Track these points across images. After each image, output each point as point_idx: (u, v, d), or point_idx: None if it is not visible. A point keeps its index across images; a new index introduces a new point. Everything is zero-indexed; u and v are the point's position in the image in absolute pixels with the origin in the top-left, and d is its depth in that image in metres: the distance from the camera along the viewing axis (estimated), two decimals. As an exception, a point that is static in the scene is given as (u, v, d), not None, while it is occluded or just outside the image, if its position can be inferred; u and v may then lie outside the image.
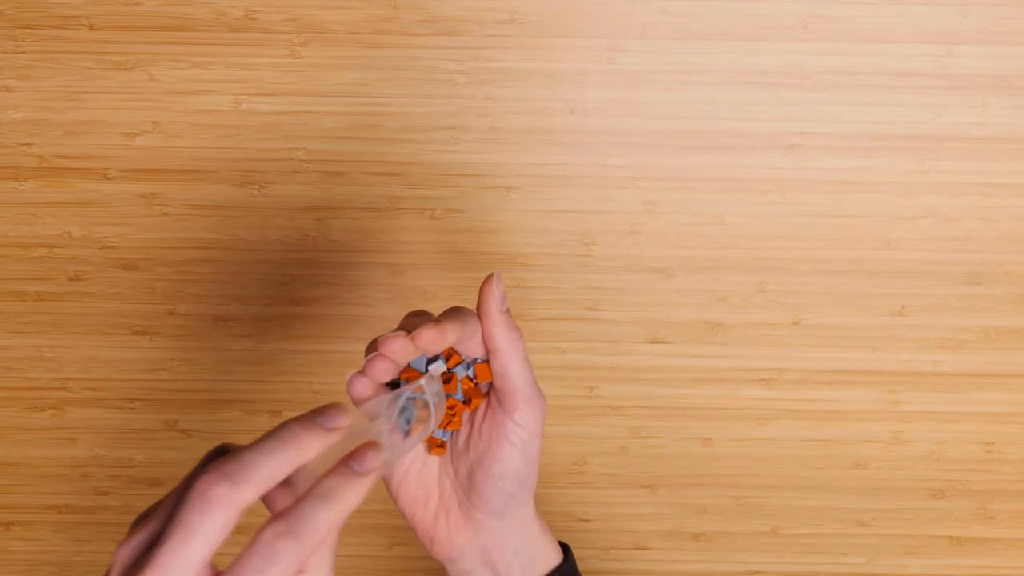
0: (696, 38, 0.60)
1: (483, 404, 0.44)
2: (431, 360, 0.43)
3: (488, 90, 0.60)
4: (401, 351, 0.40)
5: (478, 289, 0.42)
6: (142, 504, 0.65)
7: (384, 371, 0.40)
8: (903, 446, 0.64)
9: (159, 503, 0.34)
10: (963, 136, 0.61)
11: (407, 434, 0.40)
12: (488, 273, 0.42)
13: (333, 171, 0.61)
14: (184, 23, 0.60)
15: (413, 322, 0.42)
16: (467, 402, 0.44)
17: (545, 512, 0.66)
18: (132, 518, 0.65)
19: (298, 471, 0.34)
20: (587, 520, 0.67)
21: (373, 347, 0.42)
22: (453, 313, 0.42)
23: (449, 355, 0.43)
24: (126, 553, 0.32)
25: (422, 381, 0.41)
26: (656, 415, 0.64)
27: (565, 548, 0.46)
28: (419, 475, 0.45)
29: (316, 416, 0.34)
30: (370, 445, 0.35)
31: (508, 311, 0.43)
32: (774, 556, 0.66)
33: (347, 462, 0.35)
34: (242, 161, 0.61)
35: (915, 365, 0.63)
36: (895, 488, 0.65)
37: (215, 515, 0.31)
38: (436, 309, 0.62)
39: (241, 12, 0.60)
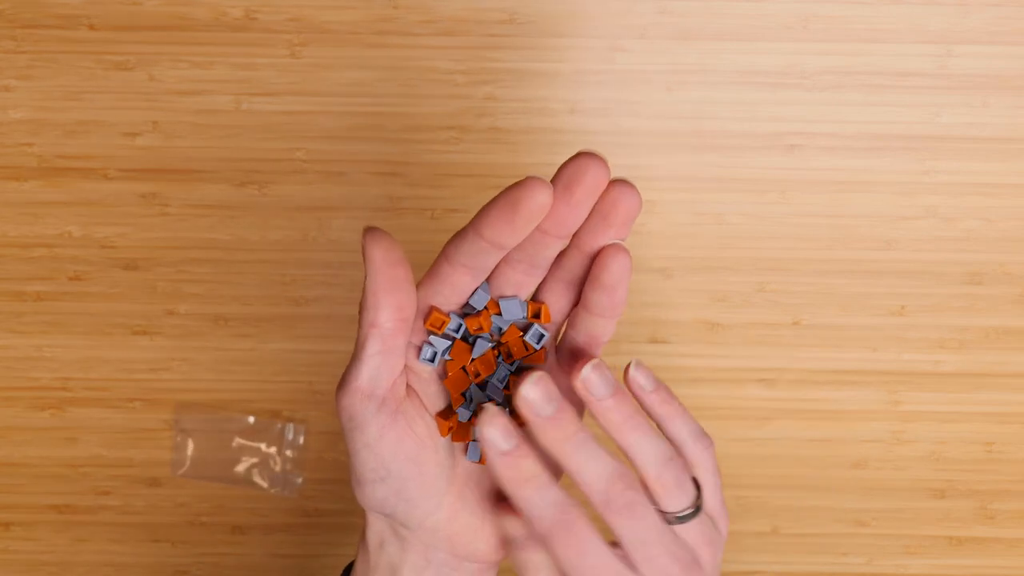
0: (696, 38, 0.60)
1: None
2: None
3: (488, 90, 0.60)
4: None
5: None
6: (142, 504, 0.65)
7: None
8: (903, 446, 0.64)
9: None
10: (963, 136, 0.61)
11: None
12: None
13: (333, 171, 0.61)
14: (184, 23, 0.60)
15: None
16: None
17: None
18: (132, 518, 0.65)
19: None
20: (587, 520, 0.67)
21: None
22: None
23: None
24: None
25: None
26: (656, 415, 0.64)
27: None
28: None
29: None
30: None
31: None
32: (774, 556, 0.66)
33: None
34: (242, 161, 0.61)
35: (915, 365, 0.63)
36: (895, 488, 0.65)
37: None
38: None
39: (241, 12, 0.60)
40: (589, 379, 0.34)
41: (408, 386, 0.36)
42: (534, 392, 0.33)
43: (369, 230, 0.33)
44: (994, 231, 0.62)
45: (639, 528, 0.33)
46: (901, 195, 0.62)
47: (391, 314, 0.33)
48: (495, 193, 0.61)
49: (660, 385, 0.37)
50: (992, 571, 0.66)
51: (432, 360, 0.35)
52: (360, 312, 0.33)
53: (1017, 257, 0.62)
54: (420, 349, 0.35)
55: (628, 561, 0.34)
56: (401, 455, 0.35)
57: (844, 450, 0.64)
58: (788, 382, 0.64)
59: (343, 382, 0.34)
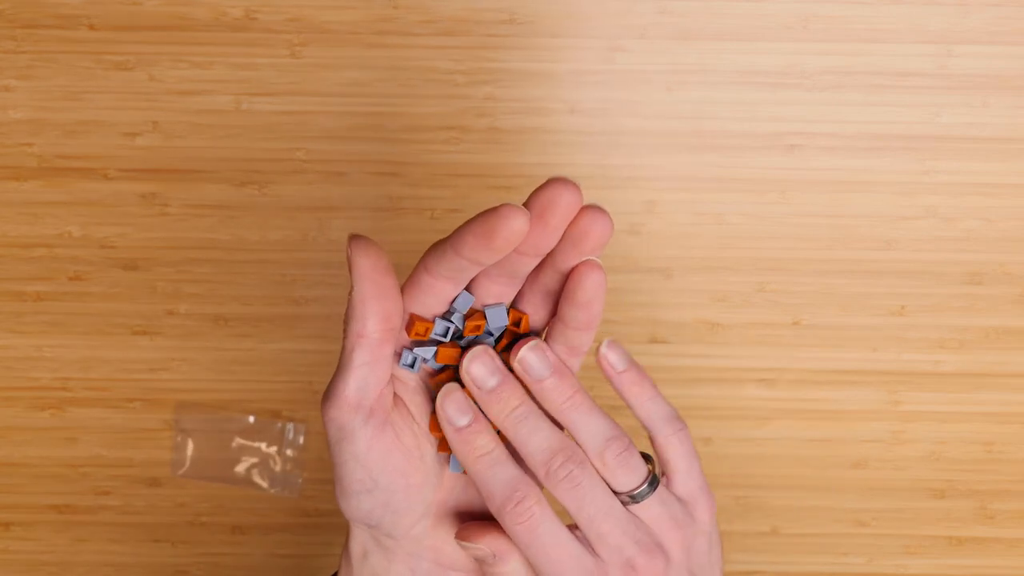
0: (696, 38, 0.60)
1: None
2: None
3: (488, 90, 0.60)
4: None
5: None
6: (142, 504, 0.65)
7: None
8: (903, 446, 0.64)
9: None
10: (963, 136, 0.61)
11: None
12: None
13: (333, 171, 0.61)
14: (184, 23, 0.60)
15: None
16: None
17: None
18: (132, 518, 0.65)
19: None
20: (587, 520, 0.67)
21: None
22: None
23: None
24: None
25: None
26: (656, 415, 0.64)
27: None
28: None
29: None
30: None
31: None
32: (774, 556, 0.66)
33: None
34: (242, 161, 0.61)
35: (915, 365, 0.63)
36: (895, 488, 0.65)
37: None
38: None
39: (241, 12, 0.60)
40: (526, 359, 0.34)
41: (395, 395, 0.35)
42: (476, 367, 0.34)
43: (355, 238, 0.32)
44: (994, 231, 0.62)
45: (584, 502, 0.33)
46: (901, 195, 0.62)
47: (378, 323, 0.32)
48: (495, 193, 0.61)
49: (632, 365, 0.36)
50: (992, 571, 0.66)
51: (412, 366, 0.34)
52: (346, 322, 0.33)
53: (1017, 257, 0.62)
54: (400, 356, 0.35)
55: (587, 544, 0.34)
56: (389, 467, 0.35)
57: (844, 450, 0.64)
58: (788, 382, 0.64)
59: (330, 393, 0.34)
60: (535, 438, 0.34)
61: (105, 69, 0.60)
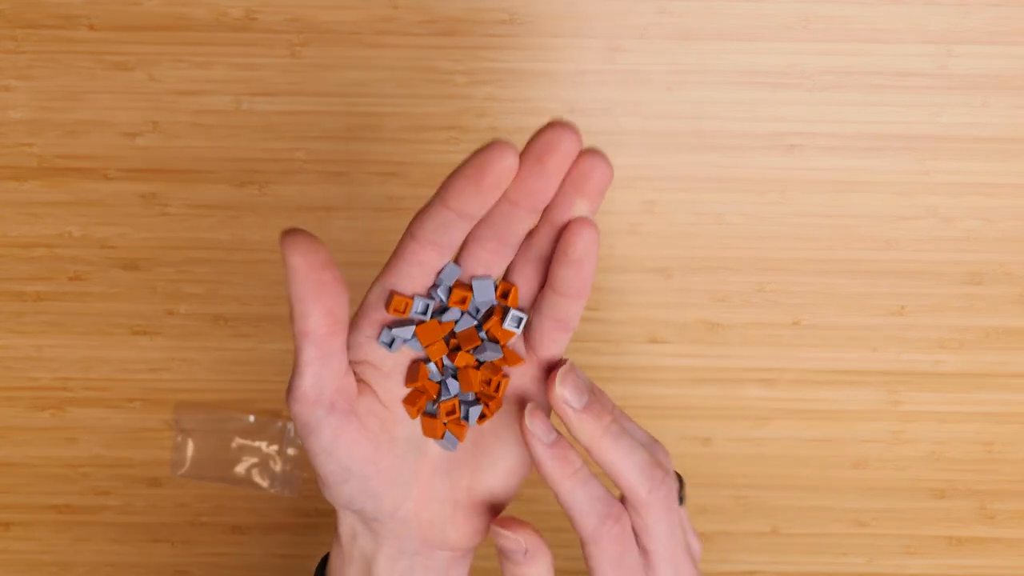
0: (696, 38, 0.60)
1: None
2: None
3: (488, 90, 0.60)
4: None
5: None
6: (142, 504, 0.65)
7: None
8: (903, 446, 0.64)
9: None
10: (963, 136, 0.61)
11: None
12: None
13: (333, 171, 0.61)
14: (184, 23, 0.60)
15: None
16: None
17: (543, 514, 0.66)
18: (132, 518, 0.65)
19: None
20: (587, 520, 0.67)
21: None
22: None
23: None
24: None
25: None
26: (656, 415, 0.64)
27: None
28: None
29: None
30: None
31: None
32: (774, 556, 0.66)
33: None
34: (242, 161, 0.61)
35: (915, 365, 0.63)
36: (895, 488, 0.65)
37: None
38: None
39: (241, 12, 0.60)
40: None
41: (362, 382, 0.35)
42: (564, 389, 0.33)
43: (287, 233, 0.31)
44: (994, 231, 0.62)
45: (679, 524, 0.33)
46: (901, 195, 0.62)
47: (321, 319, 0.31)
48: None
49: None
50: (992, 571, 0.66)
51: (390, 345, 0.34)
52: (290, 320, 0.32)
53: (1017, 257, 0.62)
54: (380, 334, 0.34)
55: (647, 561, 0.34)
56: (358, 456, 0.34)
57: (844, 450, 0.64)
58: (788, 382, 0.64)
59: (289, 391, 0.33)
60: (636, 454, 0.33)
61: (105, 69, 0.60)
